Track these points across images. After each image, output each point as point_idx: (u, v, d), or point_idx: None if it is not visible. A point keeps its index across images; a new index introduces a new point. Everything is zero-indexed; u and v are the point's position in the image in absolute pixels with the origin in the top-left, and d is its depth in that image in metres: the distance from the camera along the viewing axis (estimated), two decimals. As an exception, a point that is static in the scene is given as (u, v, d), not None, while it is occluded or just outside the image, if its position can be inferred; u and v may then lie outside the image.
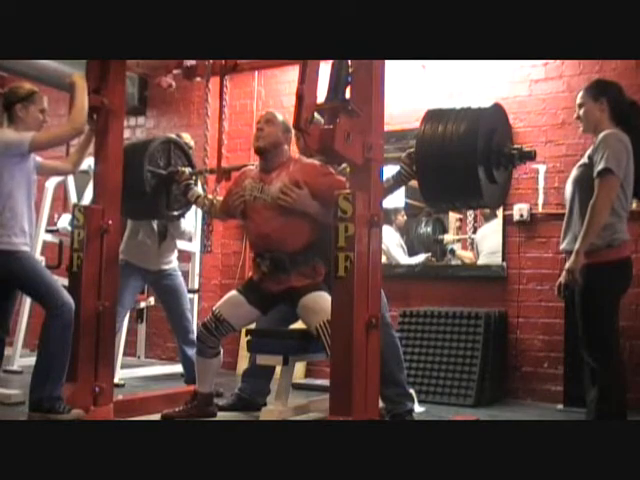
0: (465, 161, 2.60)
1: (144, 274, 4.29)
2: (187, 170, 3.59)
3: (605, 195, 2.81)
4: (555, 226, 3.17)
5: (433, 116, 2.75)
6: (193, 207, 4.03)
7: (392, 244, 5.32)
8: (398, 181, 3.02)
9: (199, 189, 3.59)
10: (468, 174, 2.61)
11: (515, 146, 2.86)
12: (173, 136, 3.91)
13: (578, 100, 3.03)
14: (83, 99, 3.10)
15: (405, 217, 5.43)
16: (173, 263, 4.41)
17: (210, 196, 3.49)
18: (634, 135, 2.90)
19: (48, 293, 3.03)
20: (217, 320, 3.16)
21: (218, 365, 3.32)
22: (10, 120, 3.13)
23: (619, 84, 3.09)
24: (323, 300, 2.98)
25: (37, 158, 3.22)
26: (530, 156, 2.84)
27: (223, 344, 3.32)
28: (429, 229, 5.34)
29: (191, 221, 4.55)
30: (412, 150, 2.87)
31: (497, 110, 2.86)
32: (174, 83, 3.89)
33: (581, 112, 3.01)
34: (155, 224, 4.28)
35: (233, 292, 3.27)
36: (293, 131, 3.09)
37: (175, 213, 3.79)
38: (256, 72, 5.97)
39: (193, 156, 3.91)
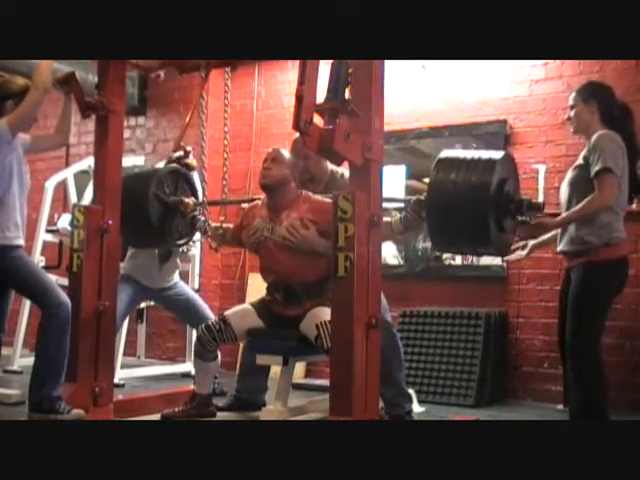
0: (476, 209, 2.61)
1: (145, 290, 4.22)
2: (192, 201, 3.56)
3: (606, 195, 2.83)
4: (555, 226, 3.18)
5: (445, 163, 2.75)
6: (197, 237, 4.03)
7: (389, 254, 5.32)
8: (405, 226, 3.02)
9: (204, 219, 3.56)
10: (478, 223, 2.62)
11: (524, 197, 2.86)
12: (180, 168, 3.85)
13: (570, 101, 3.06)
14: (41, 72, 3.00)
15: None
16: (174, 280, 4.35)
17: (217, 224, 3.46)
18: (624, 137, 2.92)
19: (44, 293, 3.02)
20: (223, 322, 3.18)
21: (216, 368, 3.35)
22: (0, 114, 3.08)
23: (610, 87, 3.10)
24: (322, 310, 3.01)
25: (25, 136, 3.15)
26: (538, 207, 2.84)
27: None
28: (428, 245, 5.31)
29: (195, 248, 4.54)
30: (420, 196, 2.88)
31: (507, 160, 2.85)
32: (162, 74, 3.87)
33: (572, 113, 3.03)
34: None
35: (246, 304, 3.33)
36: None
37: (180, 242, 3.77)
38: (256, 72, 5.98)
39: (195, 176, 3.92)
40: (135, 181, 3.49)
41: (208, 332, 3.18)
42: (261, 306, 3.27)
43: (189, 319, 4.36)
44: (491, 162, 2.70)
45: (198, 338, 3.24)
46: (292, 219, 3.13)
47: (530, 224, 2.98)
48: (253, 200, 3.50)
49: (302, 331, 3.11)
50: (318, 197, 3.21)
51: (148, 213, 3.46)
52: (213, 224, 3.49)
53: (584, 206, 2.87)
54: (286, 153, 3.24)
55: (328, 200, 3.14)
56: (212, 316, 4.26)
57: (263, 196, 3.32)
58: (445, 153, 2.81)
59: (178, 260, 4.37)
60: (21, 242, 3.08)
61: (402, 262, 5.33)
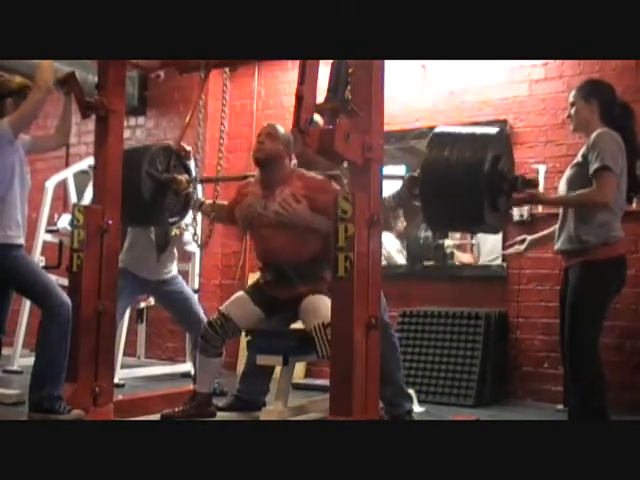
0: (469, 188, 2.60)
1: (143, 283, 4.24)
2: (185, 178, 3.55)
3: (605, 192, 2.82)
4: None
5: (439, 140, 2.74)
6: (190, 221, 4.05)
7: (393, 250, 5.33)
8: (398, 203, 3.01)
9: (199, 196, 3.55)
10: (472, 200, 2.61)
11: (518, 174, 2.85)
12: (173, 145, 3.86)
13: (570, 99, 3.05)
14: (43, 73, 3.02)
15: (405, 223, 5.43)
16: (173, 272, 4.34)
17: (211, 201, 3.46)
18: (624, 136, 2.91)
19: (45, 293, 3.02)
20: (224, 318, 3.17)
21: (219, 365, 3.33)
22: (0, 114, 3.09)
23: (611, 85, 3.10)
24: (322, 303, 3.00)
25: (26, 137, 3.17)
26: (532, 184, 2.83)
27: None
28: (429, 233, 5.33)
29: (190, 234, 4.52)
30: (415, 173, 2.87)
31: (502, 136, 2.84)
32: (162, 74, 3.87)
33: (572, 111, 3.03)
34: (153, 236, 4.24)
35: (240, 292, 3.31)
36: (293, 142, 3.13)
37: (171, 220, 3.76)
38: (256, 72, 5.98)
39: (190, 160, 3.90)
40: (127, 158, 3.44)
41: (211, 328, 3.18)
42: (254, 291, 3.26)
43: (185, 319, 4.34)
44: (485, 139, 2.69)
45: (202, 335, 3.23)
46: (285, 195, 3.12)
47: (526, 195, 2.97)
48: (246, 177, 3.49)
49: (299, 316, 3.13)
50: (312, 174, 3.19)
51: (140, 190, 3.43)
52: (208, 201, 3.49)
53: (583, 194, 2.86)
54: (281, 129, 3.22)
55: (322, 177, 3.15)
56: (202, 314, 4.26)
57: (257, 173, 3.31)
58: (440, 129, 2.80)
59: (175, 250, 4.38)
60: (22, 241, 3.09)
61: (406, 255, 5.34)
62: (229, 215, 3.38)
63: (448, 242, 5.29)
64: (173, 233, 4.25)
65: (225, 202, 3.44)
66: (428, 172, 2.68)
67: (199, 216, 3.52)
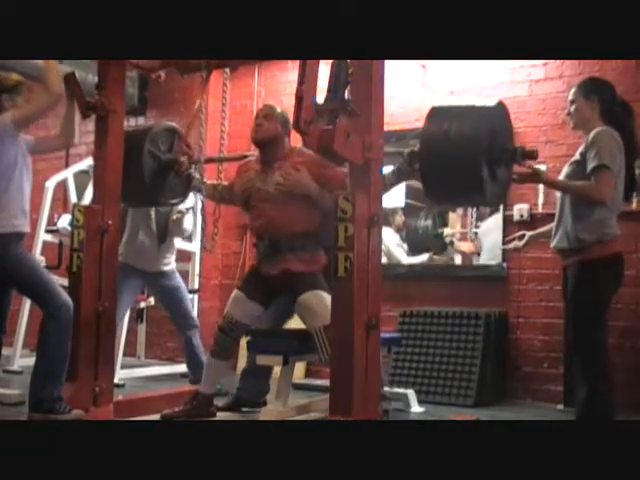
0: (469, 160, 2.60)
1: (142, 275, 4.27)
2: (186, 159, 3.55)
3: (602, 189, 2.82)
4: (555, 226, 3.18)
5: (438, 113, 2.74)
6: (190, 204, 4.04)
7: (392, 244, 5.32)
8: (398, 178, 3.03)
9: (199, 177, 3.57)
10: (471, 172, 2.61)
11: (518, 145, 2.86)
12: (176, 126, 3.86)
13: (570, 96, 3.04)
14: (55, 78, 3.05)
15: (403, 217, 5.42)
16: (171, 265, 4.39)
17: (213, 181, 3.48)
18: (624, 135, 2.91)
19: (46, 293, 3.03)
20: (231, 323, 3.20)
21: (228, 368, 3.35)
22: None
23: (611, 83, 3.10)
24: (322, 302, 3.00)
25: (29, 138, 3.21)
26: (533, 155, 2.84)
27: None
28: (429, 223, 5.32)
29: (190, 219, 4.53)
30: (414, 148, 2.88)
31: (501, 109, 2.85)
32: (163, 74, 3.86)
33: (572, 109, 3.02)
34: (154, 225, 4.26)
35: (235, 291, 3.32)
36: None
37: (172, 201, 3.77)
38: (256, 72, 5.98)
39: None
40: (130, 138, 3.44)
41: (223, 333, 3.22)
42: (247, 284, 3.28)
43: (176, 317, 4.39)
44: (484, 111, 2.69)
45: (215, 340, 3.26)
46: (285, 167, 3.17)
47: (528, 172, 2.97)
48: (246, 157, 3.52)
49: (296, 310, 3.15)
50: (311, 151, 3.18)
51: (141, 169, 3.42)
52: (209, 182, 3.50)
53: (582, 185, 2.86)
54: (277, 108, 3.28)
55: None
56: (194, 314, 4.43)
57: (257, 153, 3.35)
58: (438, 104, 2.81)
59: (175, 241, 4.41)
60: (27, 229, 3.13)
61: (407, 248, 5.33)
62: (229, 193, 3.40)
63: (447, 231, 5.28)
64: (174, 217, 4.27)
65: (226, 183, 3.46)
66: (428, 145, 2.69)
67: (201, 208, 3.55)
